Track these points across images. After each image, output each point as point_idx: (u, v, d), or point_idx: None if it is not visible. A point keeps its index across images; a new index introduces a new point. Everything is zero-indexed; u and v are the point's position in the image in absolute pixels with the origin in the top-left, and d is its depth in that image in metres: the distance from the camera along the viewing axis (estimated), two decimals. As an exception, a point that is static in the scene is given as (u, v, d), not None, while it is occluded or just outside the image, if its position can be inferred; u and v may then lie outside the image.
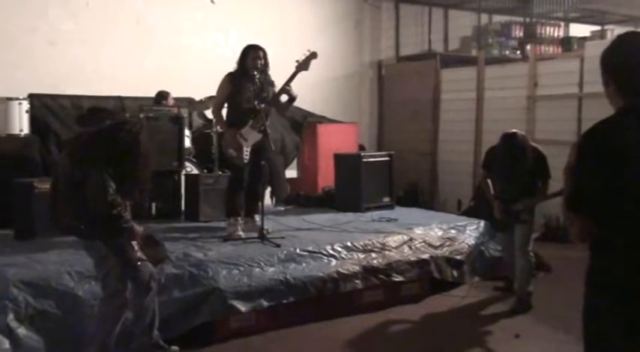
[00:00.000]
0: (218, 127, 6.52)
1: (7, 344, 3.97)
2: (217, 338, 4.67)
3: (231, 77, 5.94)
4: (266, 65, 5.96)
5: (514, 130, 5.48)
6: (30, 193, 5.68)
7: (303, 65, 5.87)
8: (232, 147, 5.88)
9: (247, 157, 5.88)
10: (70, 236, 4.18)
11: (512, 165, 5.39)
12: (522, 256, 5.50)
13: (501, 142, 5.47)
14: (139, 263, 4.03)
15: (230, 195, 6.13)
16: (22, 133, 6.70)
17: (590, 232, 2.18)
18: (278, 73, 6.11)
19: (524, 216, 5.42)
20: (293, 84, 5.91)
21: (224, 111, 6.10)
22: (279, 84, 6.01)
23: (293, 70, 5.87)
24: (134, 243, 4.00)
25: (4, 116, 6.58)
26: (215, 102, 6.19)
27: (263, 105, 5.79)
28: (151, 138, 5.48)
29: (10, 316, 4.07)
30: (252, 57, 5.87)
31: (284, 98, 6.06)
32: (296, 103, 6.21)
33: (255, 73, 5.85)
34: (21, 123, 6.66)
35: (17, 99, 6.67)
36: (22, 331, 4.08)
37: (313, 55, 5.90)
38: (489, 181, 5.68)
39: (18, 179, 5.88)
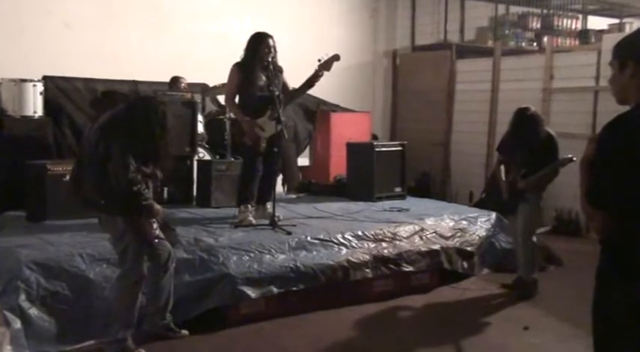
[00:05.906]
0: (231, 114, 6.50)
1: (18, 323, 4.01)
2: (227, 323, 4.69)
3: (239, 66, 5.88)
4: (275, 52, 5.91)
5: (528, 105, 5.46)
6: (43, 175, 5.71)
7: (325, 65, 5.83)
8: (250, 137, 5.87)
9: (263, 146, 5.88)
10: (90, 212, 4.24)
11: (521, 139, 5.38)
12: (523, 243, 5.52)
13: (514, 116, 5.47)
14: (157, 241, 4.08)
15: (243, 183, 6.12)
16: (36, 115, 6.72)
17: (610, 227, 2.16)
18: (292, 60, 6.08)
19: (528, 196, 5.41)
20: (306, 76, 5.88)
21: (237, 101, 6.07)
22: (287, 70, 6.00)
23: (314, 68, 5.82)
24: (153, 221, 4.05)
25: (19, 98, 6.60)
26: (227, 93, 6.14)
27: (278, 93, 5.73)
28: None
29: (22, 296, 4.11)
30: (264, 45, 5.80)
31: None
32: (309, 91, 6.18)
33: (269, 60, 5.78)
34: (35, 105, 6.68)
35: (32, 80, 6.68)
36: (33, 311, 4.12)
37: (336, 57, 5.84)
38: (502, 167, 5.66)
39: (31, 161, 5.91)
